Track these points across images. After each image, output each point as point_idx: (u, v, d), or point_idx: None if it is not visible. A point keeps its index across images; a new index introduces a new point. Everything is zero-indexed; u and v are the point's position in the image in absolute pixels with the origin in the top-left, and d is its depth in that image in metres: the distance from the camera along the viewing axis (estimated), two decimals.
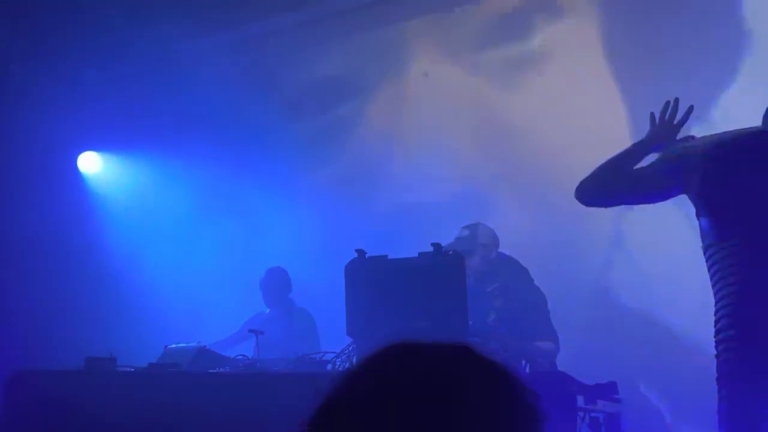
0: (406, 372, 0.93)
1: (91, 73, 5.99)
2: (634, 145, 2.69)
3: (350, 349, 3.32)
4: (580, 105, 4.87)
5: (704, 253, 2.42)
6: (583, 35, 5.01)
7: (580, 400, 3.22)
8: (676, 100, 2.69)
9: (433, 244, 3.27)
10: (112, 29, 5.63)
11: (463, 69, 5.48)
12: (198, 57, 6.46)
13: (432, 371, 0.93)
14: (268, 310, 5.13)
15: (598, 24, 5.02)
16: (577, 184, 2.64)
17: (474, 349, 0.97)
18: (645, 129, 2.74)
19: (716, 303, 2.37)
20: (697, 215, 2.44)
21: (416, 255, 3.32)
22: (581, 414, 3.24)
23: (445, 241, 3.65)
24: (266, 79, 6.35)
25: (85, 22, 5.54)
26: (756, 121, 2.44)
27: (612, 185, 2.60)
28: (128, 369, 3.79)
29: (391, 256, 3.40)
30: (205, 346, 3.90)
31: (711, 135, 2.54)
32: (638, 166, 2.62)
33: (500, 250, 4.03)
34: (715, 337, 2.36)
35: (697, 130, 2.80)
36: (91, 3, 5.41)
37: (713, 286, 2.39)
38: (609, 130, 4.58)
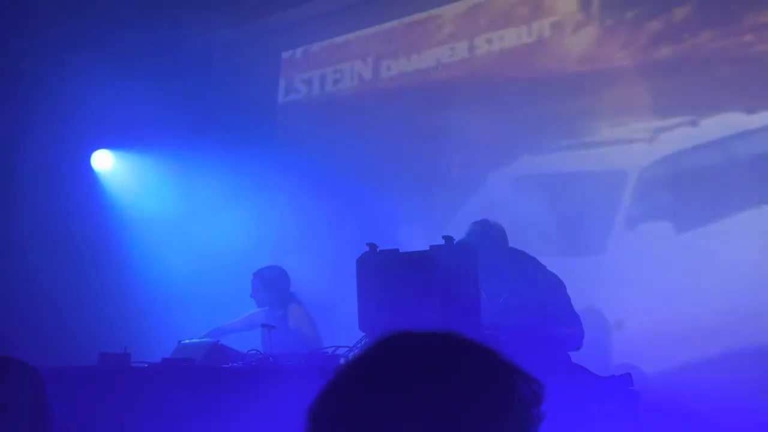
0: (401, 360, 0.93)
1: (103, 70, 6.01)
2: None
3: (363, 342, 3.31)
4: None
5: None
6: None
7: (595, 392, 3.20)
8: None
9: (444, 237, 3.25)
10: (125, 26, 5.64)
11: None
12: (210, 52, 6.48)
13: (425, 359, 0.93)
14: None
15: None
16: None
17: (467, 337, 0.97)
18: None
19: None
20: None
21: (428, 248, 3.30)
22: (596, 406, 3.22)
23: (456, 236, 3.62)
24: (277, 73, 6.35)
25: (97, 19, 5.56)
26: None
27: None
28: (142, 364, 3.80)
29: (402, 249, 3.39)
30: (218, 341, 3.91)
31: None
32: None
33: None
34: None
35: None
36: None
37: None
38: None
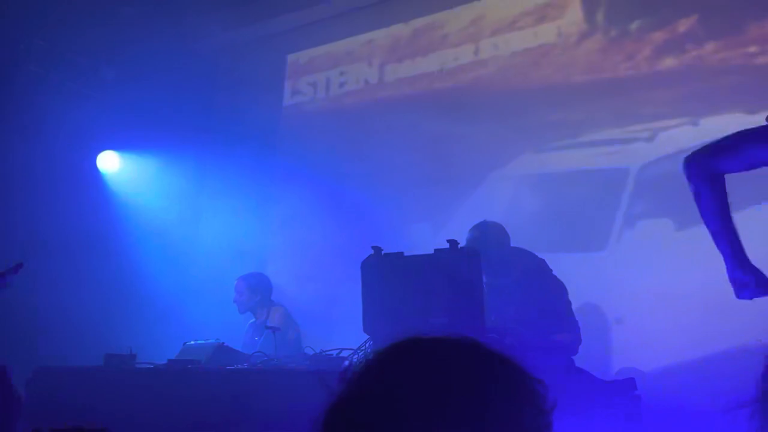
0: (413, 367, 0.92)
1: (109, 72, 6.04)
2: None
3: (367, 345, 3.33)
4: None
5: None
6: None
7: (598, 397, 3.22)
8: None
9: (448, 241, 3.27)
10: (131, 27, 5.67)
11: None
12: (216, 55, 6.51)
13: (438, 365, 0.92)
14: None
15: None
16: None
17: (480, 342, 0.97)
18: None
19: None
20: None
21: (432, 251, 3.32)
22: (599, 411, 3.24)
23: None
24: (283, 76, 6.38)
25: (103, 21, 5.59)
26: None
27: None
28: (148, 365, 3.82)
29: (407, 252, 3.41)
30: (223, 342, 3.93)
31: None
32: None
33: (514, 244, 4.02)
34: None
35: None
36: (108, 1, 5.47)
37: None
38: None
